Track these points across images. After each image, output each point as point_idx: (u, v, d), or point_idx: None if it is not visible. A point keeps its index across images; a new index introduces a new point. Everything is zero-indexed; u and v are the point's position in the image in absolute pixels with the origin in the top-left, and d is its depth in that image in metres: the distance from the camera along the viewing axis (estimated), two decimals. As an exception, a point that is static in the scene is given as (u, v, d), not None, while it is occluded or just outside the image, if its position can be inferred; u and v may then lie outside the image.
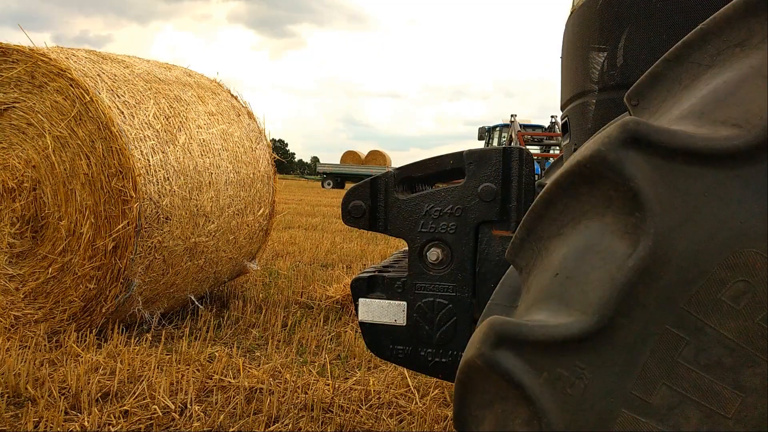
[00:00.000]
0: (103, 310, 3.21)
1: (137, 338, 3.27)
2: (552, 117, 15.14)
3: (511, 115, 14.74)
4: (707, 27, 0.78)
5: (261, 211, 4.22)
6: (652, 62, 0.84)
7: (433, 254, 1.34)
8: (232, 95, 4.46)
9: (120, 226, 3.11)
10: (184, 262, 3.56)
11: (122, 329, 3.33)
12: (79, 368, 2.67)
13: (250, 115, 4.46)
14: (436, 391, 2.74)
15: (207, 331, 3.50)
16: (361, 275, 1.42)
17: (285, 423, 2.36)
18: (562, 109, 1.64)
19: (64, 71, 3.17)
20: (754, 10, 0.74)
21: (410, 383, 2.78)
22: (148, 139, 3.29)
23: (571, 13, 1.48)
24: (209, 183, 3.66)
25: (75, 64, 3.29)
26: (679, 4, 1.17)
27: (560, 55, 1.60)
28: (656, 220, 0.67)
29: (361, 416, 2.46)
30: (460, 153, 1.33)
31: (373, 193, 1.40)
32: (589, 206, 0.76)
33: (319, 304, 4.34)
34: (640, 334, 0.68)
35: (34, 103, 3.31)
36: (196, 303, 3.87)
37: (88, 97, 3.13)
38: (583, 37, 1.38)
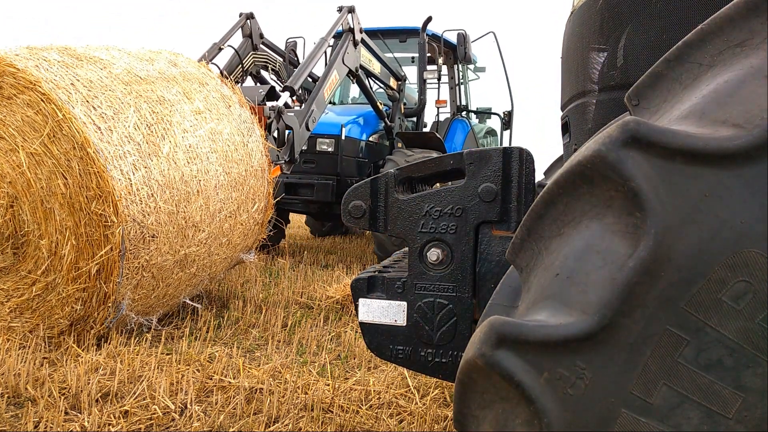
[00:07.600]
0: (93, 331, 3.09)
1: (137, 338, 3.27)
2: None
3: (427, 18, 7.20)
4: (708, 27, 0.78)
5: (255, 206, 4.06)
6: (653, 62, 0.84)
7: (433, 254, 1.34)
8: (221, 80, 4.17)
9: (102, 252, 2.93)
10: (175, 274, 3.41)
11: (122, 330, 3.33)
12: (79, 368, 2.67)
13: (241, 103, 4.16)
14: (436, 391, 2.74)
15: (207, 332, 3.50)
16: (361, 275, 1.43)
17: (285, 423, 2.36)
18: (562, 109, 1.64)
19: (34, 84, 2.89)
20: (755, 10, 0.74)
21: (410, 383, 2.78)
22: (128, 155, 3.03)
23: (571, 13, 1.48)
24: (198, 192, 3.42)
25: (45, 72, 2.99)
26: (679, 4, 1.17)
27: (560, 55, 1.60)
28: (657, 220, 0.67)
29: (361, 416, 2.46)
30: (460, 153, 1.33)
31: (373, 193, 1.40)
32: (589, 206, 0.76)
33: (319, 304, 4.34)
34: (640, 334, 0.68)
35: (4, 116, 3.02)
36: (194, 305, 3.86)
37: (60, 115, 2.87)
38: (583, 37, 1.38)
